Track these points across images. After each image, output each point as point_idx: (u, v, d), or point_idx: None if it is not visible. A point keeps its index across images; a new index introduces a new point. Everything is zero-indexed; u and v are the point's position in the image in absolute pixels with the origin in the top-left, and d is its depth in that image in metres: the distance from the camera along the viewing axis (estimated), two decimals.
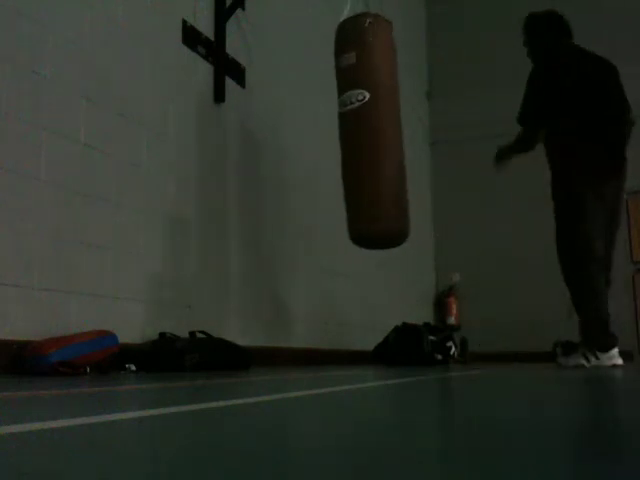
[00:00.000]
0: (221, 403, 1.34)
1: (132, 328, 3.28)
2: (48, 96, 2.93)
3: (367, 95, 3.68)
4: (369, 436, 0.83)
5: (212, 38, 4.15)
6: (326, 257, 5.23)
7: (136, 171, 3.45)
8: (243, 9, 4.42)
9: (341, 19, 3.89)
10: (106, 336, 2.87)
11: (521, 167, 7.09)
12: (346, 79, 3.78)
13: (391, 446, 0.73)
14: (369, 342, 5.34)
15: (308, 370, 3.60)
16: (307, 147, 5.14)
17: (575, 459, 0.65)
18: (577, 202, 3.92)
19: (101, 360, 2.80)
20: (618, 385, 2.23)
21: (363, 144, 3.71)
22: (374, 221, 3.72)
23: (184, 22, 3.91)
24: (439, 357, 5.20)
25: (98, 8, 3.28)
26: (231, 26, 4.29)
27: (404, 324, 5.32)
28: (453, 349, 5.45)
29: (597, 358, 3.83)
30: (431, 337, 5.21)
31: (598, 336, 3.86)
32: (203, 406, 1.25)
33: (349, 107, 3.73)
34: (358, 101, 3.69)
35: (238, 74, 4.38)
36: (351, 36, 3.77)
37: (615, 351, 3.86)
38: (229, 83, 4.25)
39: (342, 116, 3.83)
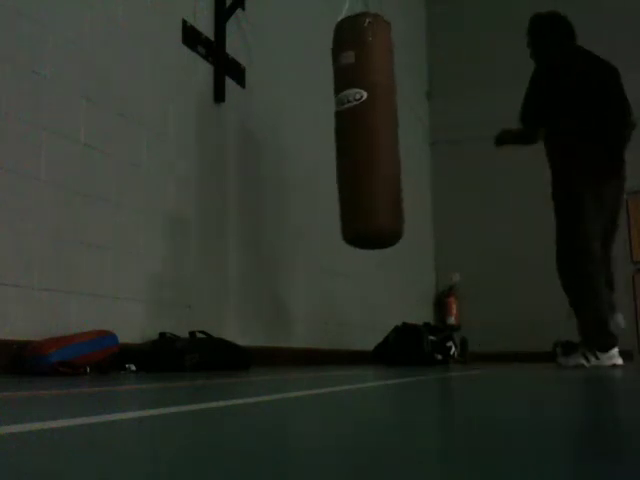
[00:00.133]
0: (221, 403, 1.34)
1: (132, 328, 3.28)
2: (48, 96, 2.93)
3: (365, 94, 3.67)
4: (369, 436, 0.83)
5: (212, 38, 4.15)
6: (326, 257, 5.23)
7: (136, 171, 3.45)
8: (243, 9, 4.42)
9: (339, 18, 3.88)
10: (106, 336, 2.87)
11: (521, 167, 7.13)
12: (344, 78, 3.77)
13: (391, 446, 0.73)
14: (369, 342, 5.34)
15: (308, 370, 3.60)
16: (307, 147, 5.14)
17: (575, 459, 0.65)
18: (576, 202, 3.92)
19: (101, 360, 2.80)
20: (618, 385, 2.23)
21: (359, 143, 3.70)
22: (368, 221, 3.71)
23: (184, 22, 3.91)
24: (439, 357, 5.20)
25: (98, 8, 3.28)
26: (231, 26, 4.29)
27: (404, 324, 5.32)
28: (453, 349, 5.45)
29: (597, 358, 3.83)
30: (431, 337, 5.21)
31: (598, 336, 3.87)
32: (203, 406, 1.25)
33: (346, 106, 3.72)
34: (355, 100, 3.68)
35: (238, 74, 4.38)
36: (350, 35, 3.77)
37: (615, 351, 3.86)
38: (229, 83, 4.25)
39: (339, 115, 3.82)
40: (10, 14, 2.80)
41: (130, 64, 3.47)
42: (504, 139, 4.34)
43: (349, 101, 3.71)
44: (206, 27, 4.12)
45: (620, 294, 4.39)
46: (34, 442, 0.77)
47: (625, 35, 7.18)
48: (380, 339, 5.29)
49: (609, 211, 4.01)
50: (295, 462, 0.62)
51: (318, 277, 5.23)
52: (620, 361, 3.85)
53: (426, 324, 5.62)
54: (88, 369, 2.74)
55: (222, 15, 4.21)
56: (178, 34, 3.87)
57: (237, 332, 4.02)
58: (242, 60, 4.44)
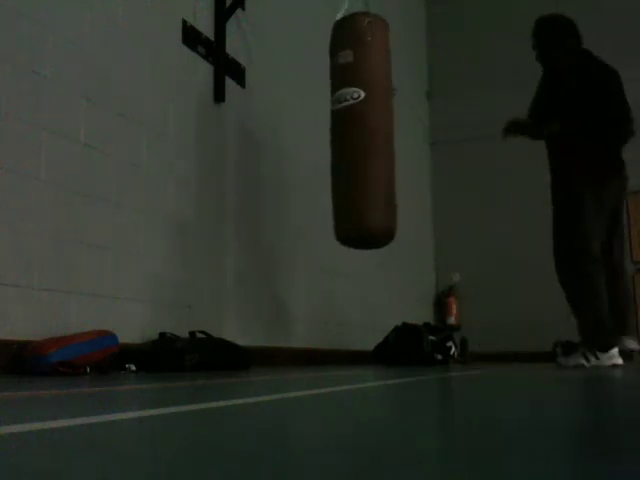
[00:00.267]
0: (221, 403, 1.34)
1: (132, 328, 3.28)
2: (48, 96, 2.93)
3: (362, 94, 3.66)
4: (369, 436, 0.83)
5: (212, 38, 4.15)
6: (326, 257, 5.23)
7: (136, 171, 3.45)
8: (243, 9, 4.42)
9: (338, 17, 3.88)
10: (106, 336, 2.87)
11: (521, 167, 7.13)
12: (342, 77, 3.77)
13: (391, 446, 0.73)
14: (369, 342, 5.34)
15: (308, 370, 3.60)
16: (307, 147, 5.13)
17: (575, 459, 0.65)
18: (576, 202, 3.93)
19: (101, 360, 2.80)
20: (618, 385, 2.23)
21: (355, 142, 3.69)
22: (361, 221, 3.69)
23: (184, 22, 3.91)
24: (439, 357, 5.20)
25: (98, 8, 3.28)
26: (231, 26, 4.29)
27: (404, 324, 5.32)
28: (453, 349, 5.45)
29: (597, 358, 3.83)
30: (431, 337, 5.21)
31: (598, 336, 3.87)
32: (203, 406, 1.25)
33: (343, 104, 3.71)
34: (353, 99, 3.67)
35: (238, 74, 4.38)
36: (349, 34, 3.76)
37: (615, 351, 3.86)
38: (229, 83, 4.25)
39: (335, 113, 3.81)
40: (10, 14, 2.80)
41: (130, 64, 3.47)
42: (512, 130, 4.34)
43: (346, 100, 3.70)
44: (206, 27, 4.12)
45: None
46: (34, 442, 0.77)
47: (625, 35, 7.18)
48: (380, 339, 5.29)
49: (610, 211, 4.02)
50: (295, 462, 0.62)
51: (318, 277, 5.23)
52: (620, 361, 3.85)
53: (426, 324, 5.62)
54: (88, 369, 2.74)
55: (222, 15, 4.21)
56: (178, 34, 3.87)
57: (237, 332, 4.02)
58: (242, 60, 4.44)
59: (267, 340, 4.44)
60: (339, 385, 2.12)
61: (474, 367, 4.67)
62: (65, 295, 2.93)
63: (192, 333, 3.51)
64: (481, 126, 7.59)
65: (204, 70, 4.09)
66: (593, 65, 4.11)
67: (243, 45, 4.48)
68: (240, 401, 1.38)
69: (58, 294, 2.89)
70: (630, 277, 7.25)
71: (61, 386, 1.88)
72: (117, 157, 3.31)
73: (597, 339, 3.87)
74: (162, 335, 3.36)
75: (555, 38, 4.20)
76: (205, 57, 4.08)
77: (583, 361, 3.86)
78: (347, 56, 3.73)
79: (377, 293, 6.27)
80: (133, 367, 2.99)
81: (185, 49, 3.92)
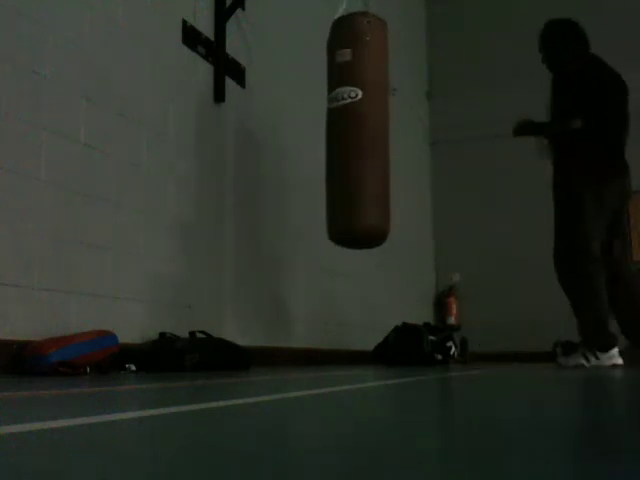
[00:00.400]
0: (221, 403, 1.34)
1: (132, 328, 3.28)
2: (48, 96, 2.93)
3: (360, 93, 3.66)
4: (369, 436, 0.83)
5: (212, 38, 4.15)
6: (326, 257, 5.22)
7: (136, 171, 3.45)
8: (243, 9, 4.42)
9: (336, 16, 3.87)
10: (106, 336, 2.87)
11: (521, 167, 7.12)
12: (340, 75, 3.76)
13: (391, 446, 0.73)
14: (369, 342, 5.34)
15: (308, 370, 3.60)
16: (307, 147, 5.13)
17: (575, 459, 0.65)
18: (576, 202, 3.93)
19: (101, 360, 2.80)
20: (618, 385, 2.23)
21: (350, 141, 3.68)
22: (353, 220, 3.68)
23: (184, 22, 3.91)
24: (439, 357, 5.20)
25: (98, 8, 3.28)
26: (231, 26, 4.29)
27: (404, 324, 5.32)
28: (453, 349, 5.45)
29: (597, 358, 3.83)
30: (431, 337, 5.21)
31: (598, 336, 3.87)
32: (203, 406, 1.25)
33: (341, 103, 3.71)
34: (350, 98, 3.67)
35: (238, 74, 4.38)
36: (349, 33, 3.75)
37: (615, 351, 3.86)
38: (229, 83, 4.25)
39: (331, 112, 3.80)
40: (10, 14, 2.80)
41: (130, 64, 3.47)
42: (523, 131, 4.31)
43: (343, 98, 3.69)
44: (206, 27, 4.12)
45: None
46: (34, 442, 0.77)
47: (625, 35, 7.18)
48: (380, 339, 5.28)
49: (611, 211, 4.01)
50: (295, 462, 0.62)
51: (318, 277, 5.23)
52: (620, 361, 3.85)
53: (426, 324, 5.62)
54: (88, 369, 2.74)
55: (222, 15, 4.21)
56: (178, 34, 3.87)
57: (237, 332, 4.02)
58: (242, 60, 4.43)
59: (267, 340, 4.44)
60: (339, 385, 2.12)
61: (474, 367, 4.67)
62: (65, 295, 2.93)
63: (192, 333, 3.51)
64: (481, 126, 7.59)
65: (204, 70, 4.09)
66: (600, 71, 4.12)
67: (243, 45, 4.48)
68: (240, 401, 1.38)
69: (58, 294, 2.89)
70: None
71: (61, 386, 1.87)
72: (117, 157, 3.31)
73: (597, 339, 3.87)
74: (162, 335, 3.36)
75: (564, 42, 4.21)
76: (205, 57, 4.08)
77: (583, 361, 3.86)
78: (345, 55, 3.72)
79: (377, 293, 6.27)
80: (133, 367, 2.99)
81: (185, 49, 3.92)
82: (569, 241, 3.96)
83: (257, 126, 4.62)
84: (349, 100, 3.66)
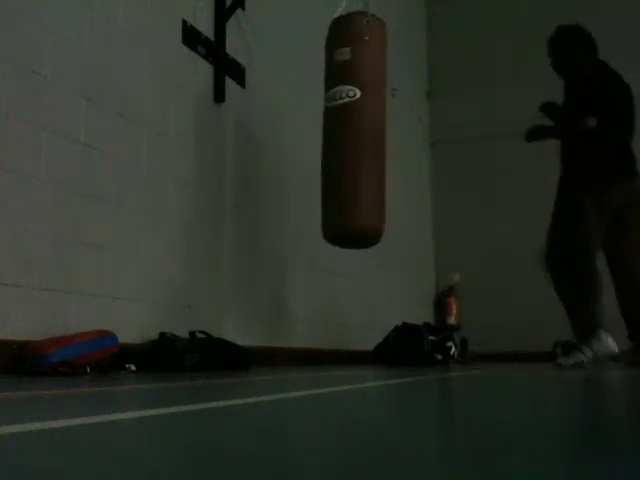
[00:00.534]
0: (221, 403, 1.34)
1: (132, 328, 3.28)
2: (48, 96, 2.93)
3: (358, 92, 3.65)
4: (369, 436, 0.83)
5: (212, 38, 4.15)
6: (326, 257, 5.22)
7: (136, 171, 3.45)
8: (243, 9, 4.42)
9: (335, 15, 3.87)
10: (106, 336, 2.87)
11: (521, 167, 7.12)
12: (338, 74, 3.74)
13: (391, 446, 0.73)
14: (369, 342, 5.34)
15: (308, 370, 3.60)
16: (307, 147, 5.12)
17: (575, 459, 0.65)
18: (576, 203, 3.94)
19: (101, 360, 2.80)
20: (618, 385, 2.23)
21: (346, 141, 3.67)
22: (347, 220, 3.67)
23: (184, 22, 3.91)
24: (439, 357, 5.20)
25: (98, 8, 3.28)
26: (231, 26, 4.29)
27: (404, 324, 5.32)
28: (453, 349, 5.45)
29: (592, 349, 3.85)
30: (431, 337, 5.21)
31: (593, 332, 3.88)
32: (203, 406, 1.25)
33: (338, 102, 3.70)
34: (348, 97, 3.66)
35: (238, 74, 4.38)
36: (348, 32, 3.75)
37: (605, 335, 3.84)
38: (229, 83, 4.25)
39: (328, 111, 3.79)
40: (10, 14, 2.80)
41: (130, 64, 3.47)
42: (536, 136, 4.31)
43: (341, 98, 3.68)
44: (206, 27, 4.12)
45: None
46: (34, 442, 0.77)
47: (625, 35, 7.18)
48: (380, 339, 5.28)
49: (612, 211, 4.01)
50: (295, 462, 0.62)
51: (318, 277, 5.23)
52: (616, 348, 3.86)
53: (426, 324, 5.62)
54: (88, 369, 2.74)
55: (222, 15, 4.21)
56: (178, 34, 3.87)
57: (237, 332, 4.02)
58: (242, 60, 4.43)
59: (267, 340, 4.44)
60: (339, 385, 2.12)
61: (474, 367, 4.67)
62: (65, 295, 2.93)
63: (192, 333, 3.51)
64: (481, 126, 7.58)
65: (204, 70, 4.09)
66: (609, 76, 4.15)
67: (243, 45, 4.48)
68: (240, 401, 1.38)
69: (58, 294, 2.89)
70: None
71: (61, 386, 1.87)
72: (117, 157, 3.31)
73: (591, 334, 3.88)
74: (162, 335, 3.36)
75: (573, 48, 4.23)
76: (205, 57, 4.08)
77: (581, 356, 3.87)
78: (344, 53, 3.72)
79: (377, 293, 6.27)
80: (133, 367, 2.99)
81: (185, 49, 3.92)
82: (569, 241, 3.96)
83: (257, 126, 4.62)
84: (347, 99, 3.65)
